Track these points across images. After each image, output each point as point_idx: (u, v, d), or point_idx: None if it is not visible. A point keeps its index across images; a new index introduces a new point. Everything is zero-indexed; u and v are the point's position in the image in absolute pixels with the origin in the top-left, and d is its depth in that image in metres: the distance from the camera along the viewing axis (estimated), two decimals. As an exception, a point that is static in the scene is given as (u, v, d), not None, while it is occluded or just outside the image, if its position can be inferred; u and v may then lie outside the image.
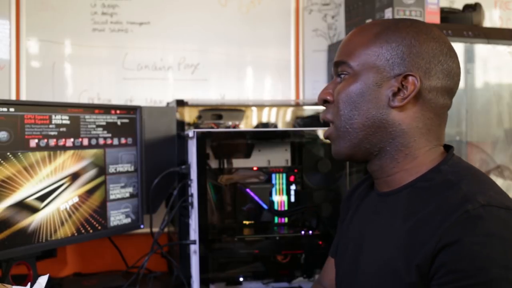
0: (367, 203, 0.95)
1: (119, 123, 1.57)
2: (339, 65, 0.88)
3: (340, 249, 1.00)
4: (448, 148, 0.89)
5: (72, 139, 1.44)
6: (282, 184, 1.54)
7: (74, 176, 1.45)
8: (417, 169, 0.84)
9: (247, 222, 1.52)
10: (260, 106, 1.98)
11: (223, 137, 1.48)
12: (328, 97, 0.89)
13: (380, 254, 0.83)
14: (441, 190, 0.78)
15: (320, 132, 1.52)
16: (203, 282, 1.37)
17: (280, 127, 1.93)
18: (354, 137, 0.86)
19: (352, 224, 0.98)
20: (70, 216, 1.44)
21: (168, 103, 1.91)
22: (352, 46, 0.87)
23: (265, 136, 1.56)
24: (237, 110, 1.85)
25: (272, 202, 1.53)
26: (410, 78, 0.81)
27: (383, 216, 0.87)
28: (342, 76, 0.87)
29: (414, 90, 0.81)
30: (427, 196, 0.80)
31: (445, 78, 0.84)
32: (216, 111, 1.80)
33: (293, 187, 1.55)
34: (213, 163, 1.52)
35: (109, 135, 1.54)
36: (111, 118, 1.54)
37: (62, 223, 1.42)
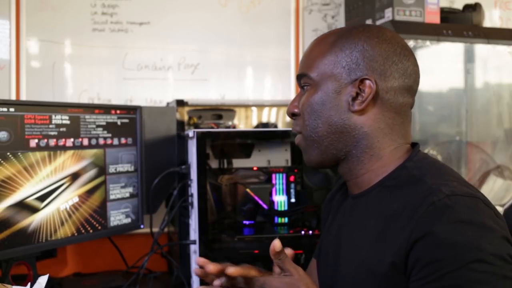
0: (344, 207, 0.97)
1: (119, 123, 1.57)
2: (301, 78, 0.91)
3: (322, 253, 1.02)
4: (415, 145, 0.91)
5: (72, 139, 1.44)
6: (282, 184, 1.54)
7: (74, 176, 1.45)
8: (384, 168, 0.87)
9: (247, 222, 1.52)
10: (260, 106, 1.98)
11: (223, 137, 1.48)
12: (296, 110, 0.92)
13: (356, 255, 0.85)
14: (407, 186, 0.81)
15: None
16: (203, 282, 1.36)
17: (280, 127, 1.93)
18: (320, 144, 0.89)
19: (332, 228, 0.99)
20: (70, 216, 1.44)
21: (168, 103, 1.91)
22: (311, 58, 0.90)
23: (265, 136, 1.56)
24: (230, 110, 1.84)
25: (272, 202, 1.52)
26: (367, 82, 0.84)
27: (356, 217, 0.89)
28: (305, 88, 0.90)
29: (371, 93, 0.84)
30: (395, 194, 0.82)
31: (401, 77, 0.86)
32: (214, 111, 1.80)
33: (293, 187, 1.55)
34: (213, 163, 1.52)
35: (109, 135, 1.54)
36: (111, 118, 1.54)
37: (62, 223, 1.42)
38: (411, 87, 0.88)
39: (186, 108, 1.77)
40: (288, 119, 2.00)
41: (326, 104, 0.87)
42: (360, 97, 0.85)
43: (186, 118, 1.77)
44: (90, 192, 1.49)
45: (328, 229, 1.01)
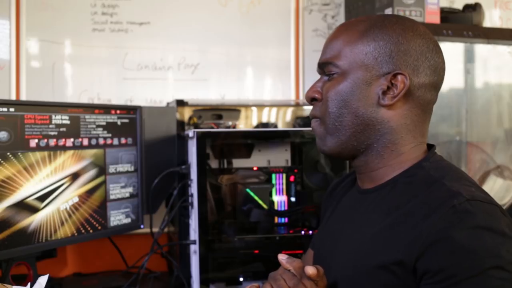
0: (346, 199, 0.96)
1: (119, 123, 1.57)
2: (325, 65, 0.88)
3: (317, 243, 1.01)
4: (430, 146, 0.90)
5: (72, 139, 1.44)
6: (282, 184, 1.54)
7: (74, 176, 1.45)
8: (401, 165, 0.86)
9: (247, 222, 1.52)
10: (260, 106, 1.98)
11: (223, 137, 1.48)
12: (317, 95, 0.89)
13: (358, 248, 0.84)
14: (424, 185, 0.80)
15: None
16: (203, 282, 1.36)
17: (280, 127, 1.93)
18: (342, 134, 0.86)
19: (331, 220, 0.99)
20: (70, 216, 1.44)
21: (168, 103, 1.91)
22: (338, 45, 0.86)
23: (265, 136, 1.56)
24: (234, 110, 1.84)
25: (272, 202, 1.52)
26: (399, 77, 0.82)
27: (364, 212, 0.88)
28: (331, 76, 0.87)
29: (404, 88, 0.82)
30: (409, 191, 0.81)
31: (432, 74, 0.85)
32: (214, 111, 1.80)
33: (293, 187, 1.55)
34: (213, 163, 1.52)
35: (109, 135, 1.54)
36: (111, 118, 1.54)
37: (62, 223, 1.42)
38: (438, 85, 0.87)
39: (187, 108, 1.77)
40: (288, 118, 2.00)
41: (355, 95, 0.84)
42: (392, 92, 0.83)
43: (187, 118, 1.77)
44: (90, 192, 1.49)
45: (327, 220, 1.01)
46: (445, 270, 0.71)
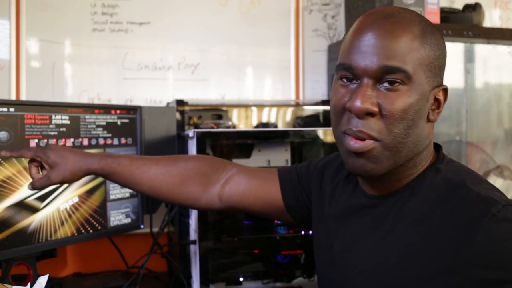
0: (352, 204, 0.89)
1: (119, 123, 1.57)
2: (390, 70, 0.72)
3: (321, 249, 0.95)
4: (434, 145, 0.87)
5: (72, 139, 1.44)
6: (282, 184, 1.54)
7: (74, 176, 1.45)
8: (415, 170, 0.81)
9: (247, 222, 1.52)
10: (260, 106, 1.98)
11: (223, 137, 1.48)
12: (375, 109, 0.74)
13: (381, 256, 0.80)
14: (449, 190, 0.76)
15: (320, 132, 1.52)
16: (203, 282, 1.36)
17: (280, 127, 1.93)
18: (400, 157, 0.76)
19: (339, 226, 0.91)
20: (70, 216, 1.44)
21: (168, 103, 1.91)
22: (401, 48, 0.73)
23: (265, 136, 1.56)
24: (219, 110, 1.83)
25: (272, 202, 1.52)
26: (442, 91, 0.79)
27: (382, 218, 0.82)
28: (395, 84, 0.73)
29: (444, 102, 0.79)
30: (434, 197, 0.77)
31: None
32: (214, 111, 1.79)
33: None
34: (213, 163, 1.51)
35: (109, 135, 1.54)
36: (111, 118, 1.54)
37: (62, 223, 1.42)
38: None
39: (186, 108, 1.77)
40: (288, 118, 2.00)
41: (419, 112, 0.74)
42: (435, 106, 0.78)
43: (187, 118, 1.77)
44: (90, 192, 1.49)
45: (333, 226, 0.92)
46: (498, 285, 0.70)
